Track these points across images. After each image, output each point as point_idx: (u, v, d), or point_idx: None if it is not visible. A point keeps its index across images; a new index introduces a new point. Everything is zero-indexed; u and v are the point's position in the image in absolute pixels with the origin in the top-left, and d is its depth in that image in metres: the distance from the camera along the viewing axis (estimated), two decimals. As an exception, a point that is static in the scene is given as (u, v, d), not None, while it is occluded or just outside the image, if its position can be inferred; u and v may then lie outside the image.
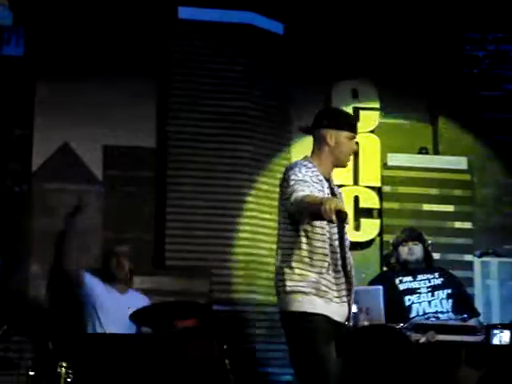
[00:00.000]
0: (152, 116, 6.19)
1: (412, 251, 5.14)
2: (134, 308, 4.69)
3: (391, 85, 6.44)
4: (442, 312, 4.97)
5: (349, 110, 6.12)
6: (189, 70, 6.19)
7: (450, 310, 5.01)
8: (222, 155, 6.14)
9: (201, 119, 6.15)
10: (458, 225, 6.38)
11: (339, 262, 3.57)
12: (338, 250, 3.59)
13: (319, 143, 3.72)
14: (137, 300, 5.04)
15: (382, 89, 6.43)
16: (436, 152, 6.53)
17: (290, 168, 3.70)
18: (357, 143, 4.00)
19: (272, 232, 6.14)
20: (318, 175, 3.65)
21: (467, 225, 6.38)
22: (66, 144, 6.06)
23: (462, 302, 5.11)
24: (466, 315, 4.81)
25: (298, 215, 3.53)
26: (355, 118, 3.92)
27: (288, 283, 3.53)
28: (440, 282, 5.11)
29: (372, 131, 6.39)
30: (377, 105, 6.41)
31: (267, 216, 6.14)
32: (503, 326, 4.32)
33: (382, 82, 6.43)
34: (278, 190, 6.31)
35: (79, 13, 6.05)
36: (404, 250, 5.15)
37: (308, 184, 3.55)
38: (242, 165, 6.16)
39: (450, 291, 5.07)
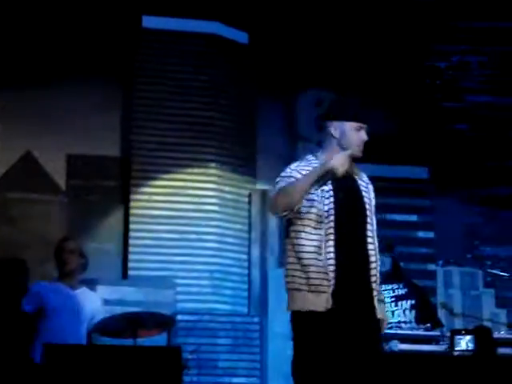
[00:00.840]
0: (116, 125, 6.16)
1: (382, 263, 5.15)
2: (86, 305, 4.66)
3: (354, 94, 6.47)
4: (404, 322, 4.99)
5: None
6: (153, 80, 6.17)
7: (413, 320, 5.02)
8: (187, 165, 6.13)
9: (166, 129, 6.14)
10: (420, 234, 6.44)
11: (331, 251, 3.48)
12: (332, 248, 3.50)
13: (327, 136, 3.66)
14: (88, 296, 4.88)
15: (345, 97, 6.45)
16: (398, 162, 6.57)
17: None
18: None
19: (236, 241, 6.16)
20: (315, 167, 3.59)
21: (430, 234, 6.44)
22: (29, 153, 6.00)
23: (427, 312, 5.13)
24: (429, 324, 4.83)
25: (271, 209, 3.62)
26: (361, 107, 3.80)
27: (288, 279, 3.54)
28: (404, 293, 5.12)
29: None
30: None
31: (232, 225, 6.14)
32: (467, 332, 4.33)
33: (345, 90, 6.47)
34: (242, 199, 6.42)
35: (43, 21, 6.00)
36: (375, 262, 5.15)
37: (293, 180, 3.51)
38: (207, 174, 6.15)
39: (414, 302, 5.09)
